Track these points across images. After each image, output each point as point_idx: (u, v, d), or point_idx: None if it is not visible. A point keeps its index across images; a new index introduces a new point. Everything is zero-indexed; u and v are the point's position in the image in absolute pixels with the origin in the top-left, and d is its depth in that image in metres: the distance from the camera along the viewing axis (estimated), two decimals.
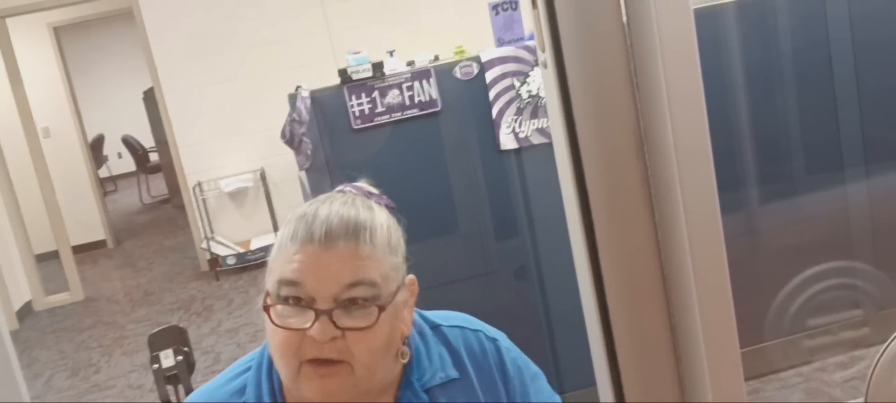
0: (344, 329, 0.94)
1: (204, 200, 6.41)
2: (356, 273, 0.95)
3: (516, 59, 2.92)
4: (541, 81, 2.94)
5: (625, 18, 0.54)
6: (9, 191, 6.33)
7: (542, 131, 2.96)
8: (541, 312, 3.12)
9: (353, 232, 0.97)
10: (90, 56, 11.74)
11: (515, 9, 2.93)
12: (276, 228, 6.39)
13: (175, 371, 1.73)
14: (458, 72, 2.91)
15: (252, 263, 6.16)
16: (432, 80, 2.89)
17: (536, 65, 2.92)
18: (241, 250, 6.26)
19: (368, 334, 0.95)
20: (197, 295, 6.04)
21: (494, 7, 2.94)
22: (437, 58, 2.93)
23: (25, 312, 6.32)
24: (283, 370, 0.98)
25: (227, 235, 6.46)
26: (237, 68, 6.10)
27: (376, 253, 0.98)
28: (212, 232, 6.43)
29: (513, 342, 1.17)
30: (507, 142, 2.96)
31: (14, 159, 6.48)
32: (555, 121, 0.58)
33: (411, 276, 1.06)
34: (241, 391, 1.07)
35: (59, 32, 8.56)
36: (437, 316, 1.15)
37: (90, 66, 11.79)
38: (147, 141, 10.26)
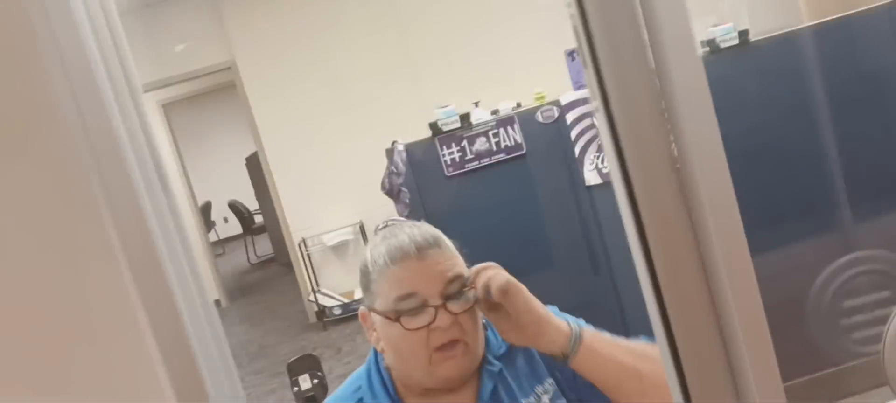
0: (457, 314, 1.19)
1: (309, 255, 6.76)
2: (451, 270, 1.21)
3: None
4: None
5: (652, 65, 0.71)
6: None
7: None
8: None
9: (434, 241, 1.23)
10: (196, 128, 12.47)
11: None
12: None
13: (312, 393, 1.99)
14: (540, 117, 3.11)
15: (357, 312, 6.43)
16: (516, 126, 3.10)
17: None
18: (346, 300, 6.56)
19: (472, 313, 1.22)
20: (307, 346, 6.35)
21: (570, 53, 3.14)
22: (519, 105, 3.13)
23: None
24: (417, 365, 1.22)
25: (332, 287, 6.78)
26: (334, 128, 6.46)
27: (453, 253, 1.25)
28: (317, 284, 6.77)
29: None
30: (591, 178, 3.13)
31: None
32: (610, 157, 0.75)
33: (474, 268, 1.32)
34: (359, 389, 1.31)
35: (167, 109, 9.20)
36: None
37: (196, 137, 12.52)
38: (252, 204, 10.81)
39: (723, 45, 3.09)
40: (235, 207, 11.35)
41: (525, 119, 3.11)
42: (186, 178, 9.02)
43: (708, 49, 3.12)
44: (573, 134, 3.11)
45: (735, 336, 0.68)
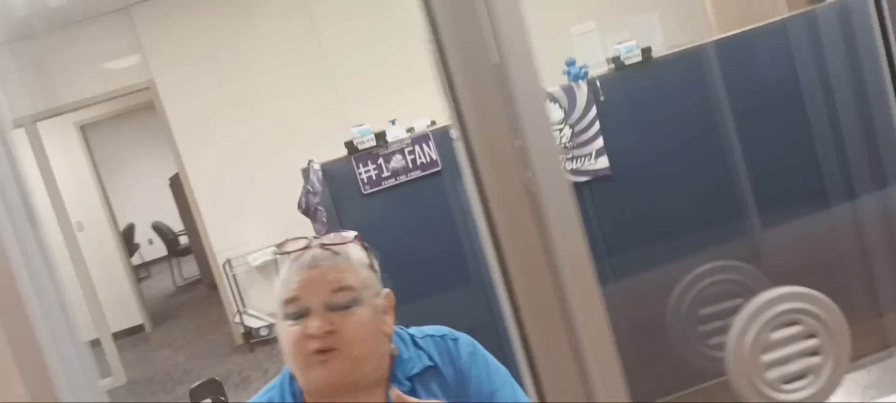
0: (336, 322, 1.23)
1: (234, 276, 6.69)
2: (338, 282, 1.26)
3: None
4: None
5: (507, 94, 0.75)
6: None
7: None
8: None
9: (332, 253, 1.29)
10: (116, 149, 12.20)
11: None
12: None
13: None
14: (453, 134, 3.16)
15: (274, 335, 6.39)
16: (431, 143, 3.15)
17: None
18: (273, 320, 6.49)
19: (355, 326, 1.25)
20: (234, 369, 6.28)
21: None
22: (433, 122, 3.19)
23: None
24: (296, 368, 1.27)
25: (258, 307, 6.72)
26: (256, 147, 6.42)
27: (353, 266, 1.29)
28: (244, 305, 6.70)
29: None
30: None
31: (56, 254, 6.78)
32: (468, 180, 0.80)
33: (388, 290, 1.37)
34: (270, 401, 1.37)
35: (86, 130, 8.99)
36: (413, 329, 1.45)
37: (116, 158, 12.24)
38: (176, 225, 10.62)
39: (627, 62, 3.21)
40: (159, 228, 11.13)
41: (440, 136, 3.16)
42: (106, 200, 8.81)
43: (613, 65, 3.24)
44: None
45: (581, 337, 0.74)
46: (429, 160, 3.15)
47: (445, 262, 3.25)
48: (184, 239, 10.57)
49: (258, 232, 6.60)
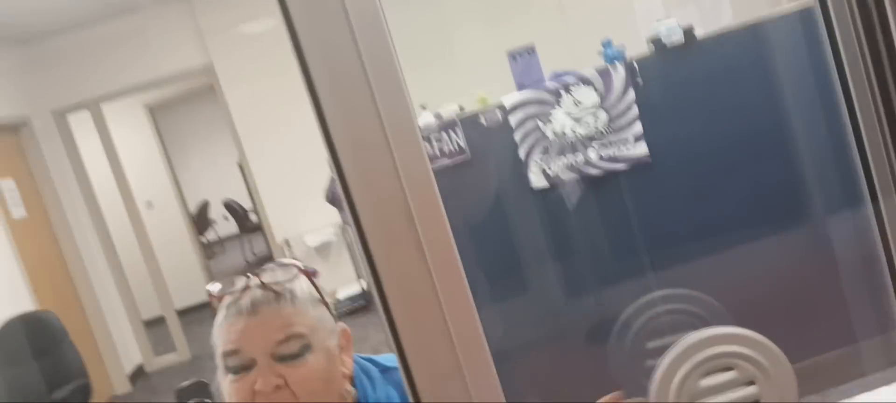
0: (284, 377, 1.09)
1: (293, 256, 6.76)
2: (285, 329, 1.11)
3: (538, 102, 3.05)
4: (564, 120, 3.06)
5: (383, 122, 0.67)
6: (114, 262, 6.84)
7: (572, 167, 3.07)
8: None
9: (275, 297, 1.13)
10: (186, 129, 12.49)
11: (532, 54, 3.07)
12: (359, 275, 6.67)
13: None
14: (483, 120, 3.07)
15: (337, 314, 6.43)
16: (458, 130, 3.06)
17: (557, 104, 3.05)
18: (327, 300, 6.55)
19: (308, 378, 1.10)
20: None
21: (513, 55, 3.09)
22: (462, 108, 3.09)
23: (138, 375, 6.80)
24: None
25: None
26: (312, 132, 6.43)
27: (300, 308, 1.14)
28: (317, 281, 6.76)
29: None
30: (537, 181, 3.09)
31: (120, 233, 7.00)
32: (350, 209, 0.73)
33: (343, 325, 1.22)
34: None
35: (154, 111, 9.21)
36: (385, 358, 1.30)
37: (187, 138, 12.54)
38: (248, 203, 10.83)
39: (668, 43, 3.04)
40: (230, 206, 11.37)
41: (468, 122, 3.06)
42: (175, 180, 9.03)
43: (653, 46, 3.07)
44: (517, 136, 3.06)
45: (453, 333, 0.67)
46: (456, 148, 3.06)
47: (474, 254, 3.16)
48: (254, 217, 10.76)
49: (314, 214, 6.63)
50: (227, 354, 1.11)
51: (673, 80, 3.06)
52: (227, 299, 1.15)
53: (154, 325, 7.30)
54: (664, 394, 0.80)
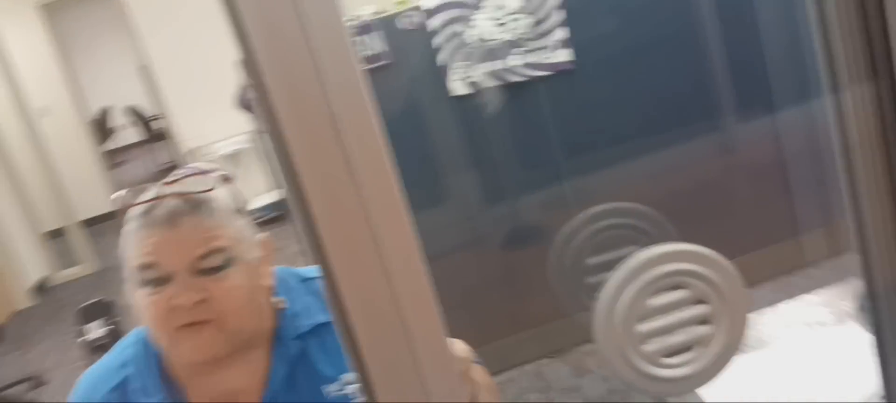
0: (206, 289, 1.03)
1: None
2: (206, 243, 1.04)
3: (459, 4, 2.95)
4: (487, 26, 2.97)
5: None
6: (11, 174, 6.47)
7: (494, 74, 3.00)
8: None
9: (193, 208, 1.05)
10: (86, 32, 11.79)
11: None
12: (277, 185, 6.51)
13: (105, 341, 1.85)
14: (401, 23, 2.94)
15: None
16: (377, 34, 2.93)
17: (479, 8, 2.95)
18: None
19: (230, 292, 1.05)
20: None
21: None
22: (381, 11, 2.96)
23: (42, 289, 6.54)
24: (161, 340, 1.08)
25: None
26: (220, 33, 6.14)
27: (221, 220, 1.06)
28: (233, 187, 6.56)
29: None
30: (458, 88, 3.00)
31: (13, 141, 6.60)
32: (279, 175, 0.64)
33: (265, 235, 1.16)
34: (125, 364, 1.17)
35: (50, 12, 8.62)
36: (310, 270, 1.24)
37: (86, 41, 11.85)
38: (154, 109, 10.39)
39: None
40: (135, 113, 10.90)
41: (386, 26, 2.93)
42: (74, 85, 8.55)
43: None
44: (437, 40, 2.95)
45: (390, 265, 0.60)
46: (374, 52, 2.93)
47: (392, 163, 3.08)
48: (159, 125, 10.35)
49: (224, 121, 6.39)
50: (142, 267, 1.04)
51: None
52: (137, 209, 1.06)
53: (56, 237, 6.99)
54: (610, 313, 0.76)
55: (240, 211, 1.12)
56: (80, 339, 1.70)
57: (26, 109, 6.55)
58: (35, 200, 6.69)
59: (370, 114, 0.63)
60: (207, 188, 1.07)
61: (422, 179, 3.08)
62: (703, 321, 0.79)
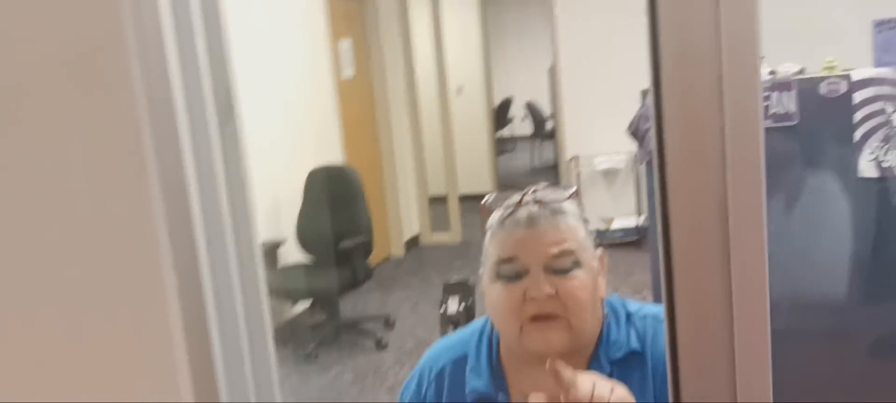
0: (557, 286, 1.15)
1: (578, 173, 6.72)
2: (559, 244, 1.17)
3: (893, 83, 2.65)
4: None
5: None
6: (417, 138, 7.26)
7: None
8: None
9: (551, 213, 1.19)
10: (507, 26, 12.70)
11: None
12: (640, 211, 6.49)
13: (457, 318, 2.03)
14: (823, 88, 2.73)
15: (609, 242, 6.31)
16: (792, 93, 2.75)
17: None
18: (603, 227, 6.45)
19: (577, 291, 1.16)
20: None
21: (880, 24, 2.69)
22: (802, 70, 2.76)
23: (412, 245, 7.27)
24: (508, 331, 1.21)
25: (593, 210, 6.70)
26: (632, 60, 6.22)
27: (572, 225, 1.19)
28: (580, 203, 6.72)
29: None
30: (867, 169, 2.72)
31: (430, 113, 7.38)
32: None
33: (600, 250, 1.25)
34: (468, 344, 1.33)
35: (485, 1, 9.45)
36: (635, 305, 1.30)
37: (507, 34, 12.76)
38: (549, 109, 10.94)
39: None
40: (532, 108, 11.55)
41: (804, 87, 2.74)
42: (488, 72, 9.29)
43: None
44: (857, 116, 2.69)
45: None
46: (784, 112, 2.76)
47: (786, 223, 2.88)
48: (551, 125, 10.87)
49: (610, 137, 6.49)
50: (504, 261, 1.18)
51: None
52: (498, 212, 1.22)
53: (437, 203, 7.69)
54: None
55: (585, 222, 1.24)
56: (441, 309, 1.92)
57: (446, 86, 7.27)
58: (431, 167, 7.42)
59: (758, 172, 0.60)
60: (562, 198, 1.21)
61: (805, 253, 2.84)
62: None
